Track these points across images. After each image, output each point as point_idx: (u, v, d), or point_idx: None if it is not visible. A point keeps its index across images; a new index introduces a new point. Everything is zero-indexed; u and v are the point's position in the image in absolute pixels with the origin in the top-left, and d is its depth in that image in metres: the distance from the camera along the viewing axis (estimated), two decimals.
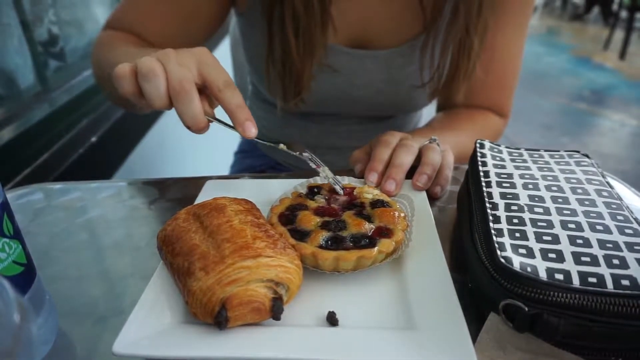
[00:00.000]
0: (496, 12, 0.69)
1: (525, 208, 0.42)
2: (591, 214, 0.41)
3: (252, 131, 0.46)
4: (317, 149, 0.87)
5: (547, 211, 0.42)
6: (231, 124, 0.47)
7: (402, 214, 0.46)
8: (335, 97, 0.77)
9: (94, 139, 1.08)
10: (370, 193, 0.50)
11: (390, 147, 0.57)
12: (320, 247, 0.41)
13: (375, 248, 0.41)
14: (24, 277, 0.35)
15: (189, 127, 0.47)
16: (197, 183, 0.61)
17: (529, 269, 0.35)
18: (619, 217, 0.40)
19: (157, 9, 0.70)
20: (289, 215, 0.46)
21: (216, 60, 0.47)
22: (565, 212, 0.41)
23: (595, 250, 0.37)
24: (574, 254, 0.36)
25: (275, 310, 0.36)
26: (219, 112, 0.49)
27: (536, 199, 0.44)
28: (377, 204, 0.48)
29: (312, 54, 0.67)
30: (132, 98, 0.47)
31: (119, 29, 0.71)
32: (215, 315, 0.35)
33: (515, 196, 0.44)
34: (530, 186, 0.46)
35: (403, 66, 0.75)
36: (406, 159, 0.54)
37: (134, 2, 0.71)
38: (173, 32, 0.71)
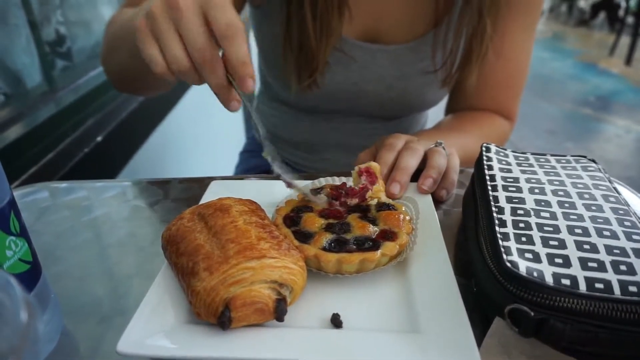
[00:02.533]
0: None
1: (532, 212, 0.42)
2: (598, 220, 0.41)
3: (250, 85, 0.42)
4: (324, 147, 0.87)
5: (553, 216, 0.41)
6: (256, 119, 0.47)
7: (408, 217, 0.46)
8: (347, 90, 0.78)
9: (99, 139, 1.08)
10: (374, 197, 0.49)
11: (395, 150, 0.57)
12: (323, 249, 0.41)
13: (379, 251, 0.41)
14: (30, 275, 0.35)
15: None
16: (202, 183, 0.61)
17: (535, 274, 0.35)
18: (626, 223, 0.40)
19: None
20: (293, 217, 0.46)
21: None
22: (572, 217, 0.41)
23: (603, 256, 0.36)
24: (580, 259, 0.36)
25: (279, 311, 0.36)
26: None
27: (542, 203, 0.43)
28: (382, 207, 0.47)
29: (327, 38, 0.68)
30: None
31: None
32: (218, 316, 0.35)
33: (522, 200, 0.44)
34: (537, 190, 0.45)
35: (415, 61, 0.75)
36: (411, 162, 0.54)
37: None
38: None
